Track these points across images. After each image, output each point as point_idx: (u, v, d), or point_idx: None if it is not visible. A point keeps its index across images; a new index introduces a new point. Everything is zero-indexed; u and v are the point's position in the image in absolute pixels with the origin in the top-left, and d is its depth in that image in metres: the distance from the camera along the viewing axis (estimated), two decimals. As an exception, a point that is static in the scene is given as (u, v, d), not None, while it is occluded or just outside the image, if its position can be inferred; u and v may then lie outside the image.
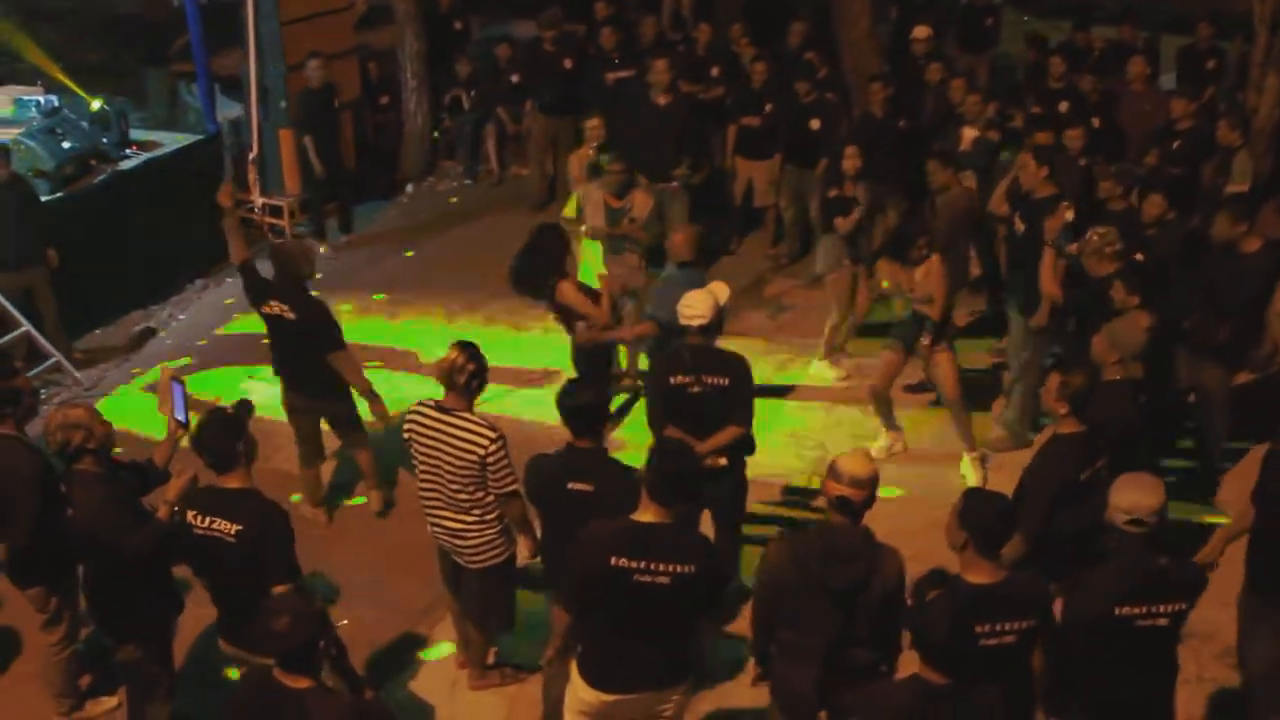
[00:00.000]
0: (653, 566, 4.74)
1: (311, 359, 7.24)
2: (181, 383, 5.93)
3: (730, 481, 6.54)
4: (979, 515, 4.63)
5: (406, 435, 5.91)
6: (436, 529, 6.02)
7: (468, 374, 5.77)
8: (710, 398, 6.32)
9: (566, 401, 5.56)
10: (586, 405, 5.54)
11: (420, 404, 5.95)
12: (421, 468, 5.92)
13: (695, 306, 6.35)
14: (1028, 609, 4.69)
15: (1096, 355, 6.25)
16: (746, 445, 6.55)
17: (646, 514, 4.82)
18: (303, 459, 7.73)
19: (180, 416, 5.84)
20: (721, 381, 6.32)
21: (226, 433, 5.28)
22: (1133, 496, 4.73)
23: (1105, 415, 5.88)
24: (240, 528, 5.13)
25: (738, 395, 6.35)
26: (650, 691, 5.03)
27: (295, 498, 7.67)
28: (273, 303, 7.23)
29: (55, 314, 9.76)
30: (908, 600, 4.76)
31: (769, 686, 5.28)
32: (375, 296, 10.95)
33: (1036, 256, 7.89)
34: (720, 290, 6.65)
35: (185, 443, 5.67)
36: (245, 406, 5.50)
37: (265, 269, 7.39)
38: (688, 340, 6.41)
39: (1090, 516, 5.20)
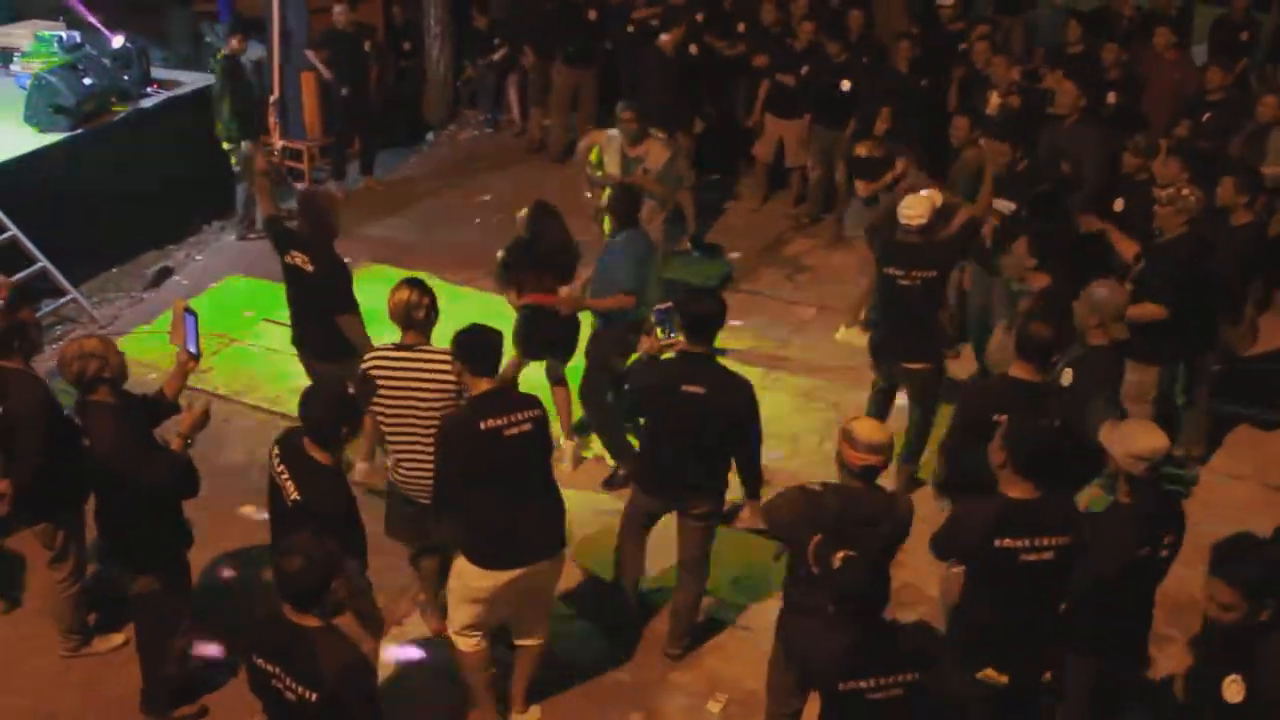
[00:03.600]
0: (516, 418, 5.27)
1: (322, 317, 7.03)
2: (194, 314, 5.90)
3: (931, 374, 7.35)
4: (1020, 437, 4.82)
5: None
6: (407, 473, 5.94)
7: (424, 308, 5.88)
8: (918, 289, 7.14)
9: (690, 307, 5.91)
10: (708, 314, 5.88)
11: (377, 349, 6.00)
12: (390, 412, 5.86)
13: (915, 208, 7.14)
14: (1065, 525, 4.81)
15: (1078, 320, 6.24)
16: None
17: (483, 384, 5.31)
18: None
19: (192, 348, 5.82)
20: (930, 274, 7.15)
21: (336, 412, 5.11)
22: (1150, 442, 4.87)
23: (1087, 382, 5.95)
24: (298, 498, 5.04)
25: (942, 287, 7.33)
26: (541, 561, 5.44)
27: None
28: (294, 253, 7.04)
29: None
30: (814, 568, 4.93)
31: (776, 637, 5.36)
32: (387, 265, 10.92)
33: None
34: (935, 195, 7.37)
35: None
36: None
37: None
38: (902, 239, 7.21)
39: None
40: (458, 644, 5.69)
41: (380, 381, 5.81)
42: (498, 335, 5.43)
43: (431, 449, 5.68)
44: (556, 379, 7.81)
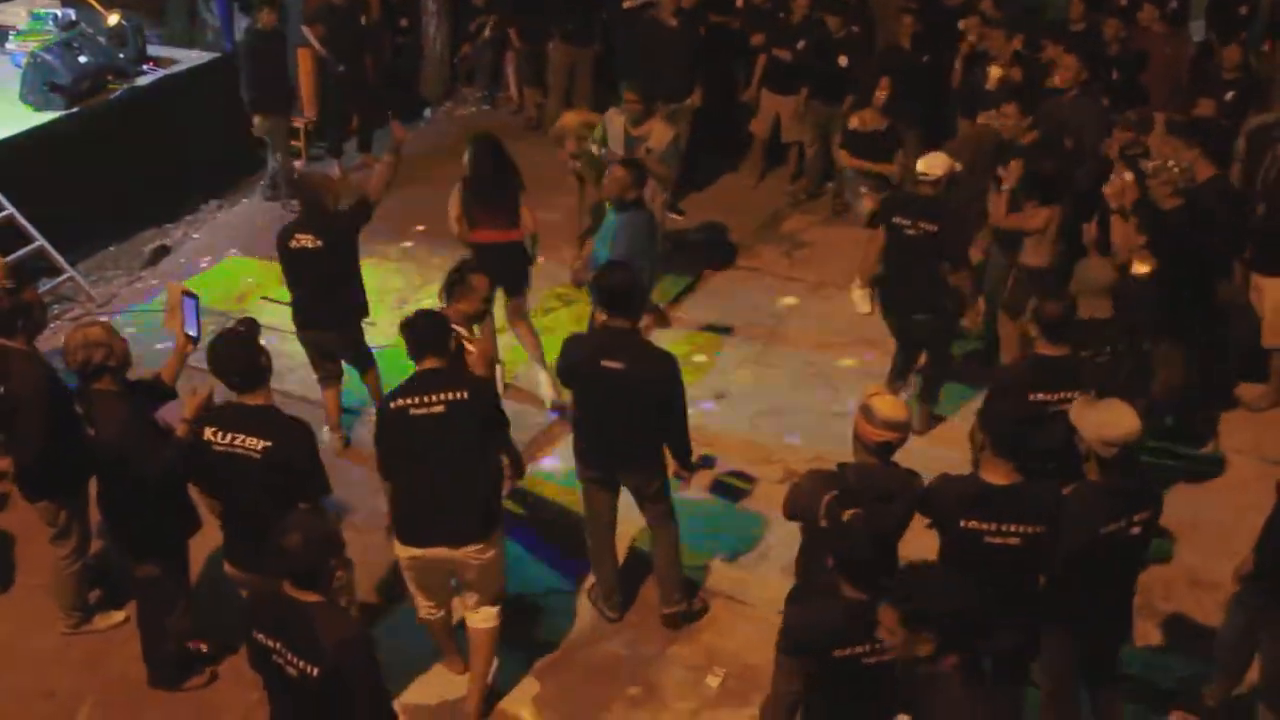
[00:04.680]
0: (427, 399, 5.31)
1: (334, 287, 7.19)
2: (194, 297, 5.89)
3: (938, 323, 7.65)
4: (996, 418, 4.87)
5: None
6: None
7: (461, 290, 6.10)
8: (921, 240, 7.46)
9: (602, 282, 5.92)
10: (621, 286, 5.84)
11: None
12: None
13: (934, 164, 7.49)
14: (1037, 515, 4.82)
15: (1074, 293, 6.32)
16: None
17: (426, 364, 5.40)
18: (322, 380, 7.68)
19: (192, 331, 5.81)
20: (931, 228, 7.41)
21: (246, 351, 5.28)
22: (1124, 426, 4.84)
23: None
24: (268, 444, 5.13)
25: (948, 239, 7.47)
26: (446, 546, 5.46)
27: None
28: (298, 236, 7.14)
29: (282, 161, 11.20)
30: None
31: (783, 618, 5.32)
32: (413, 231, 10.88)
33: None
34: (955, 161, 7.70)
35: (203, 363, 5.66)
36: (252, 324, 5.50)
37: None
38: (917, 191, 7.59)
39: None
40: (417, 609, 5.87)
41: None
42: (427, 318, 5.52)
43: None
44: (516, 316, 7.97)
